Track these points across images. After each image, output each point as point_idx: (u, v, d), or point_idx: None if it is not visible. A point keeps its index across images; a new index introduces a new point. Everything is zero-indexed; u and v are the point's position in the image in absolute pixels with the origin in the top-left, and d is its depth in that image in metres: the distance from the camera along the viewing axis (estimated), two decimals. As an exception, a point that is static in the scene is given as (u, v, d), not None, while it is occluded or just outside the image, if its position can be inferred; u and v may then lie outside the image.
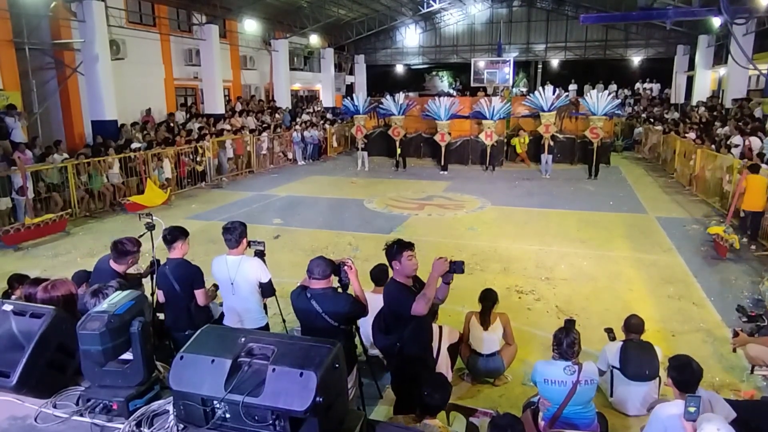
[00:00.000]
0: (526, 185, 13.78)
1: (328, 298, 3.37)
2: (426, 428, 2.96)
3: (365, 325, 4.50)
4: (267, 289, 4.15)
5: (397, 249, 3.56)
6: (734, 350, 4.69)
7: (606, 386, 4.26)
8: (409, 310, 3.41)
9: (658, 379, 4.14)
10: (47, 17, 12.68)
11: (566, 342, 3.42)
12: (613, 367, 4.18)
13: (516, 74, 27.75)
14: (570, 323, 3.63)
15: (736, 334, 4.34)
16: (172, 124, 15.22)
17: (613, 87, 26.08)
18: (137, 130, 13.82)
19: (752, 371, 4.49)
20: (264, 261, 4.21)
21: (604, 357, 4.26)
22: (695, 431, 2.44)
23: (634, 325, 4.23)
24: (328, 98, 26.77)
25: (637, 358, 4.09)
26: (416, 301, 3.39)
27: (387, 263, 3.71)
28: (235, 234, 3.98)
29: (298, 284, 3.57)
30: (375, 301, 3.84)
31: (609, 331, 4.55)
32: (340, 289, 3.57)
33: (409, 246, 3.59)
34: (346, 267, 3.53)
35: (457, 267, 3.36)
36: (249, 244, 4.15)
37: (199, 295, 4.04)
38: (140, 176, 11.89)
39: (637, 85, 27.63)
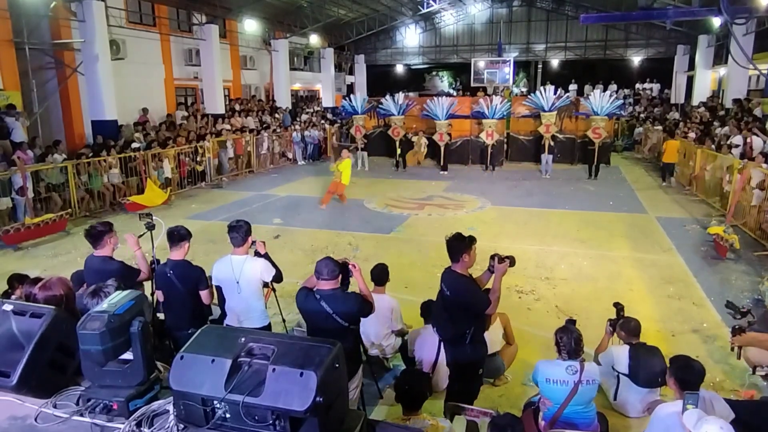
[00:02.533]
0: (526, 185, 13.78)
1: (337, 299, 3.37)
2: (417, 424, 2.96)
3: (365, 324, 4.50)
4: (275, 280, 4.17)
5: (469, 242, 3.81)
6: (732, 349, 4.64)
7: (607, 387, 4.23)
8: (483, 304, 3.74)
9: (660, 381, 4.10)
10: (47, 17, 12.68)
11: (573, 340, 3.40)
12: (621, 373, 4.06)
13: (516, 74, 27.77)
14: (571, 323, 3.62)
15: (734, 333, 4.25)
16: (168, 124, 15.21)
17: (613, 87, 26.03)
18: (138, 131, 13.82)
19: (753, 371, 4.48)
20: (269, 258, 4.21)
21: (610, 359, 4.19)
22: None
23: (634, 328, 4.15)
24: (328, 98, 26.76)
25: (648, 364, 3.96)
26: (491, 303, 3.76)
27: (450, 254, 3.84)
28: (240, 232, 3.99)
29: (301, 286, 3.56)
30: (377, 301, 3.84)
31: (618, 307, 4.41)
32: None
33: (475, 240, 3.88)
34: (350, 266, 3.54)
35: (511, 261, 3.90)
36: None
37: (204, 295, 4.09)
38: (140, 176, 11.89)
39: (637, 85, 27.60)
